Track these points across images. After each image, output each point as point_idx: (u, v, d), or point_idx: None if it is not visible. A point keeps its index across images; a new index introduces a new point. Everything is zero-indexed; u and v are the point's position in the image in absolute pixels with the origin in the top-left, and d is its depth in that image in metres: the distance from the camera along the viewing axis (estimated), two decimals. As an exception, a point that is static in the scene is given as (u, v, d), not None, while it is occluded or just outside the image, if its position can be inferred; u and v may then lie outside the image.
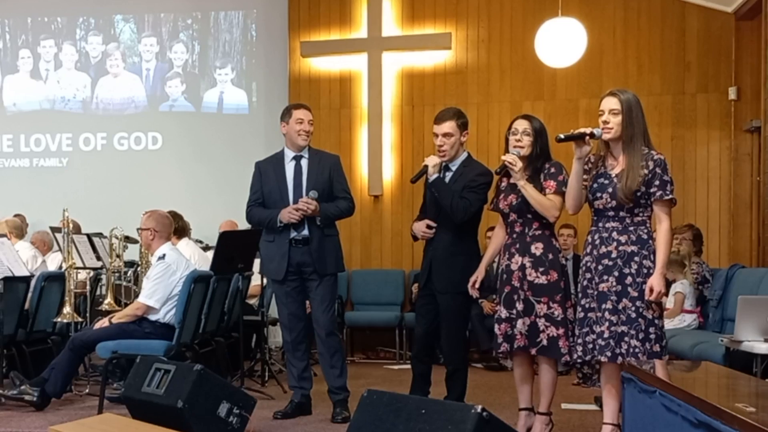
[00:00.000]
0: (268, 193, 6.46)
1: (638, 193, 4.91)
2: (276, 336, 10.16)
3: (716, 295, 7.56)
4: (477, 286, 5.76)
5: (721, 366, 5.33)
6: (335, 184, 6.46)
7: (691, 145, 10.20)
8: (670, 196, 4.94)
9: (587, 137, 4.99)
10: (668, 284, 7.81)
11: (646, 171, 4.91)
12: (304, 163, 6.44)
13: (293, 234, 6.33)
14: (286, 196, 6.37)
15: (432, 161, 5.88)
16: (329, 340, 6.37)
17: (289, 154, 6.47)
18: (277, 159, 6.54)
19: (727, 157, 10.11)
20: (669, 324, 7.54)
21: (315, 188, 6.31)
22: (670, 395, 3.68)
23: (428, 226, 6.03)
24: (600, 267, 5.03)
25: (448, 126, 5.94)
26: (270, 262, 6.51)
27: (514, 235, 5.55)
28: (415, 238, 6.24)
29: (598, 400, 5.53)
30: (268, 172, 6.52)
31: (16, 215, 10.07)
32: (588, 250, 5.13)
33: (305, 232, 6.33)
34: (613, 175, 5.02)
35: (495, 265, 5.93)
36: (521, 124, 5.53)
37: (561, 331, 5.34)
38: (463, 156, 6.04)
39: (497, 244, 5.76)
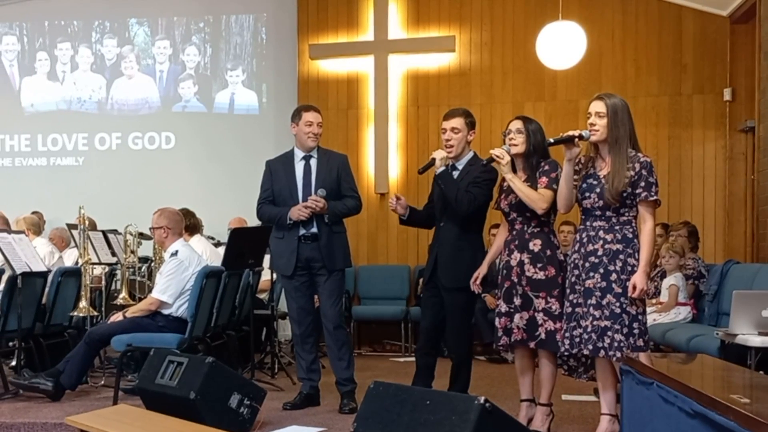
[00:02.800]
0: (278, 191, 6.46)
1: (624, 194, 4.94)
2: (285, 329, 10.16)
3: (711, 289, 7.56)
4: (479, 282, 5.76)
5: (717, 358, 5.34)
6: (343, 182, 6.46)
7: (688, 145, 10.19)
8: (655, 198, 4.96)
9: (576, 139, 5.03)
10: (662, 276, 7.83)
11: (632, 173, 4.94)
12: (313, 162, 6.43)
13: (302, 231, 6.32)
14: (296, 194, 6.37)
15: (439, 154, 5.88)
16: (337, 333, 6.37)
17: (299, 153, 6.47)
18: (287, 158, 6.54)
19: (722, 156, 10.11)
20: (665, 317, 7.55)
21: (323, 187, 6.31)
22: (667, 387, 3.68)
23: (397, 197, 6.14)
24: (587, 264, 5.06)
25: (457, 121, 5.95)
26: (279, 258, 6.51)
27: (514, 233, 5.56)
28: (401, 220, 6.27)
29: (597, 392, 5.53)
30: (278, 170, 6.51)
31: (33, 212, 10.08)
32: (576, 248, 5.17)
33: (314, 229, 6.32)
34: (601, 176, 5.05)
35: (498, 260, 5.91)
36: (515, 124, 5.57)
37: (558, 325, 5.34)
38: (470, 155, 6.04)
39: (500, 242, 5.77)
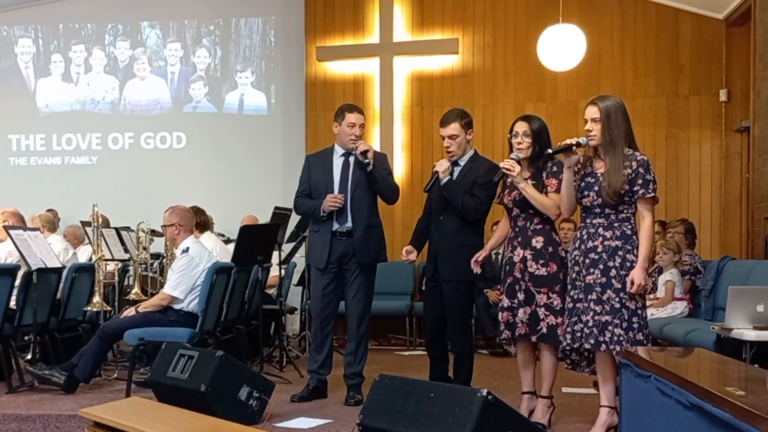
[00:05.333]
0: (315, 184, 6.41)
1: (622, 192, 4.92)
2: (293, 324, 10.19)
3: (708, 285, 7.54)
4: (480, 260, 5.74)
5: (713, 352, 5.32)
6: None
7: (685, 145, 10.18)
8: (653, 195, 4.94)
9: (574, 147, 5.02)
10: (660, 272, 7.82)
11: (629, 171, 4.92)
12: (351, 159, 6.35)
13: (336, 226, 6.29)
14: (332, 188, 6.30)
15: (441, 167, 5.88)
16: (359, 330, 6.36)
17: (339, 150, 6.41)
18: (326, 153, 6.50)
19: (718, 155, 10.10)
20: (662, 312, 7.55)
21: (360, 184, 6.28)
22: (664, 380, 3.68)
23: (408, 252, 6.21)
24: (587, 260, 5.04)
25: (453, 128, 5.94)
26: (314, 250, 6.47)
27: (517, 229, 5.55)
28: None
29: (597, 385, 5.52)
30: (316, 165, 6.48)
31: (48, 210, 10.08)
32: (576, 245, 5.15)
33: (348, 224, 6.29)
34: (599, 174, 5.03)
35: (500, 256, 5.91)
36: (521, 127, 5.52)
37: (560, 319, 5.34)
38: (471, 152, 6.04)
39: (501, 234, 5.81)
